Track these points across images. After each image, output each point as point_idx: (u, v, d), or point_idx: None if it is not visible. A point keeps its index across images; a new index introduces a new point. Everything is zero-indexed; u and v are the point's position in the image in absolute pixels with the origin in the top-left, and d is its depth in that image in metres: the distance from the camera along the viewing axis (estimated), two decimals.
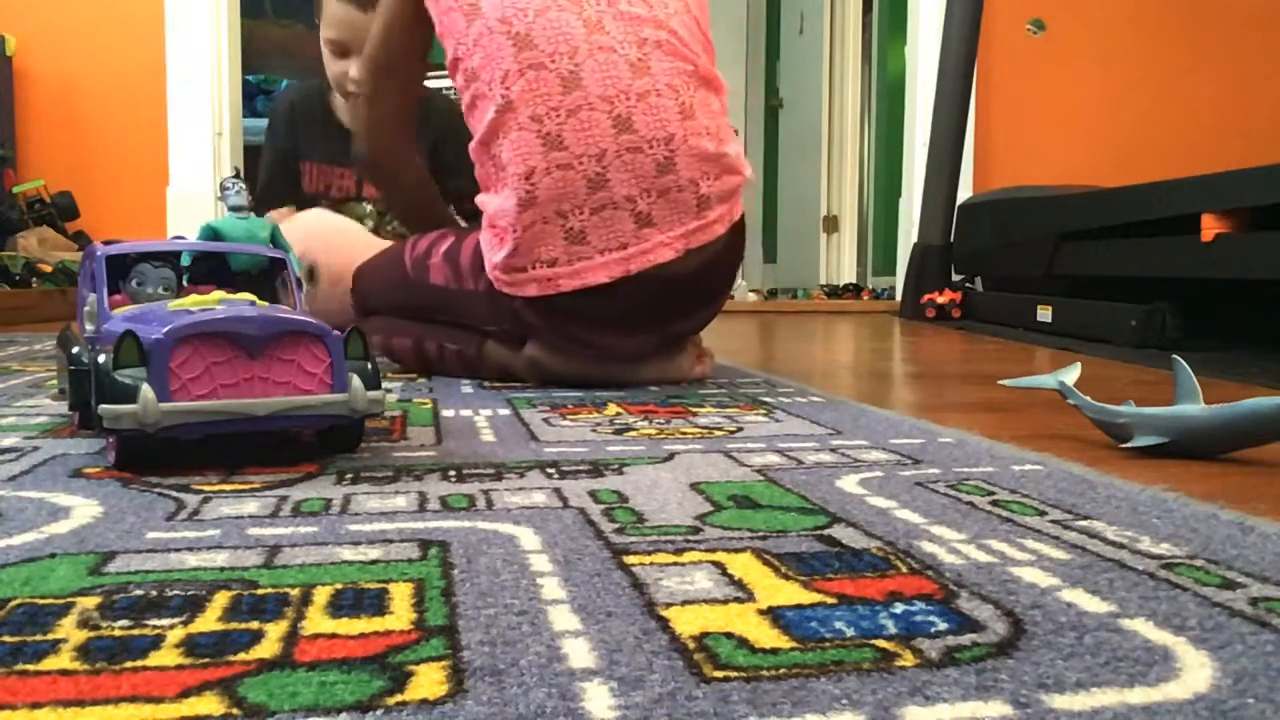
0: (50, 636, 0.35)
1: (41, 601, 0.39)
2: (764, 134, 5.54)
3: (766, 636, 0.36)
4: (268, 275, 0.85)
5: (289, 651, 0.34)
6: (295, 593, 0.40)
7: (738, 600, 0.40)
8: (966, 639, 0.36)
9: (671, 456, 0.70)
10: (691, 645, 0.35)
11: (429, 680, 0.32)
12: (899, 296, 3.05)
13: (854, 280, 4.39)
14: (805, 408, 0.95)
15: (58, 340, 0.81)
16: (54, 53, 2.96)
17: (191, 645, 0.35)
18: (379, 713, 0.30)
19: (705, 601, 0.40)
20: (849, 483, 0.62)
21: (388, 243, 1.46)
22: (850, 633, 0.36)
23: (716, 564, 0.45)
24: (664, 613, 0.38)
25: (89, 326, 0.73)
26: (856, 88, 4.73)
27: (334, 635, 0.36)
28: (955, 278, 2.79)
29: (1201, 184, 1.71)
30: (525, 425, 0.84)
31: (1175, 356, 0.75)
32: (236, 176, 0.89)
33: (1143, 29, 3.27)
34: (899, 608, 0.39)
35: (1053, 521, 0.52)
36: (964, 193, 2.95)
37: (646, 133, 1.02)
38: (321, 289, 1.42)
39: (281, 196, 1.72)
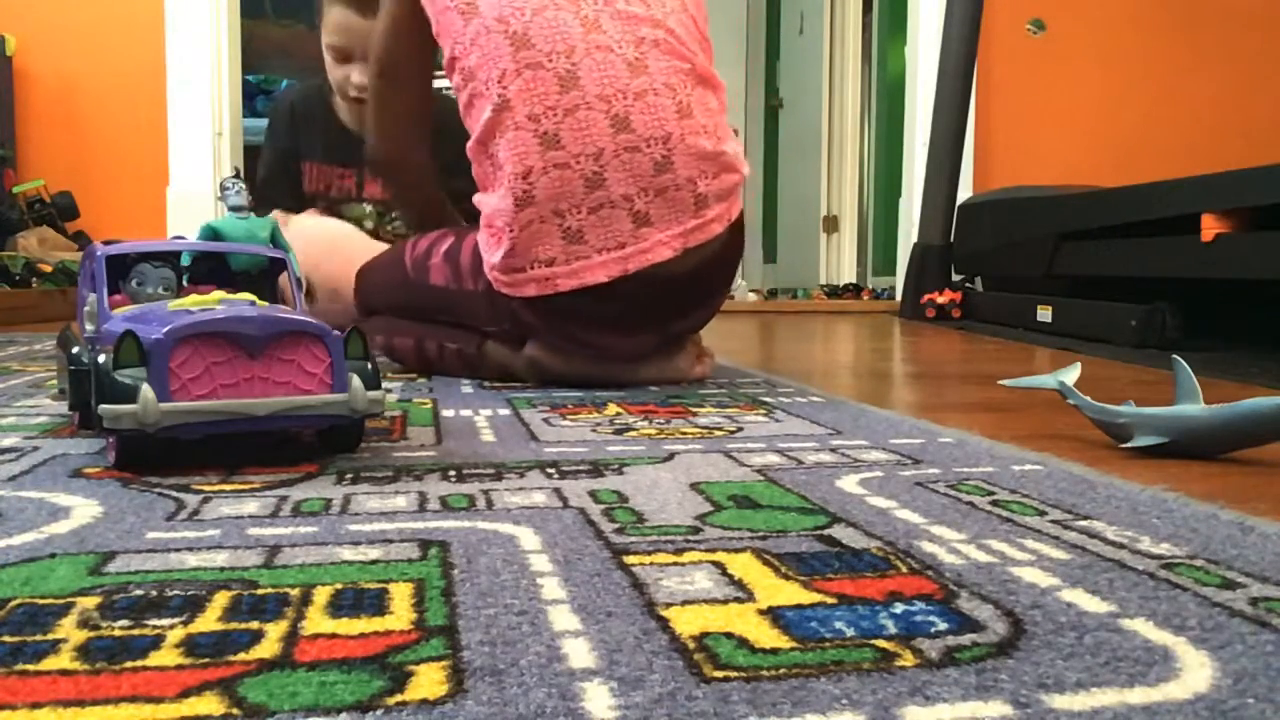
0: (50, 636, 0.35)
1: (41, 601, 0.39)
2: (764, 134, 5.54)
3: (766, 636, 0.36)
4: (268, 275, 0.85)
5: (289, 651, 0.34)
6: (295, 593, 0.40)
7: (738, 600, 0.40)
8: (966, 639, 0.36)
9: (671, 456, 0.70)
10: (691, 645, 0.35)
11: (429, 680, 0.32)
12: (899, 296, 3.05)
13: (854, 280, 4.39)
14: (805, 408, 0.95)
15: (58, 340, 0.81)
16: (54, 53, 2.96)
17: (191, 645, 0.35)
18: (379, 713, 0.30)
19: (705, 601, 0.40)
20: (849, 483, 0.62)
21: (383, 246, 1.46)
22: (850, 633, 0.36)
23: (716, 564, 0.45)
24: (664, 613, 0.38)
25: (89, 326, 0.73)
26: (856, 88, 4.72)
27: (334, 635, 0.36)
28: (955, 278, 2.79)
29: (1201, 184, 1.71)
30: (525, 425, 0.84)
31: (1175, 356, 0.75)
32: (236, 176, 0.89)
33: (1143, 29, 3.27)
34: (899, 608, 0.39)
35: (1053, 521, 0.52)
36: (964, 193, 2.95)
37: (644, 132, 1.02)
38: (321, 305, 1.42)
39: (280, 196, 1.71)
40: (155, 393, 0.61)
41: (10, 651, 0.34)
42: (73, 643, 0.35)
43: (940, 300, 2.65)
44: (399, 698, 0.31)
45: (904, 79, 3.40)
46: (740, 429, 0.82)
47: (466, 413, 0.91)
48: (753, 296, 3.68)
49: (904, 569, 0.44)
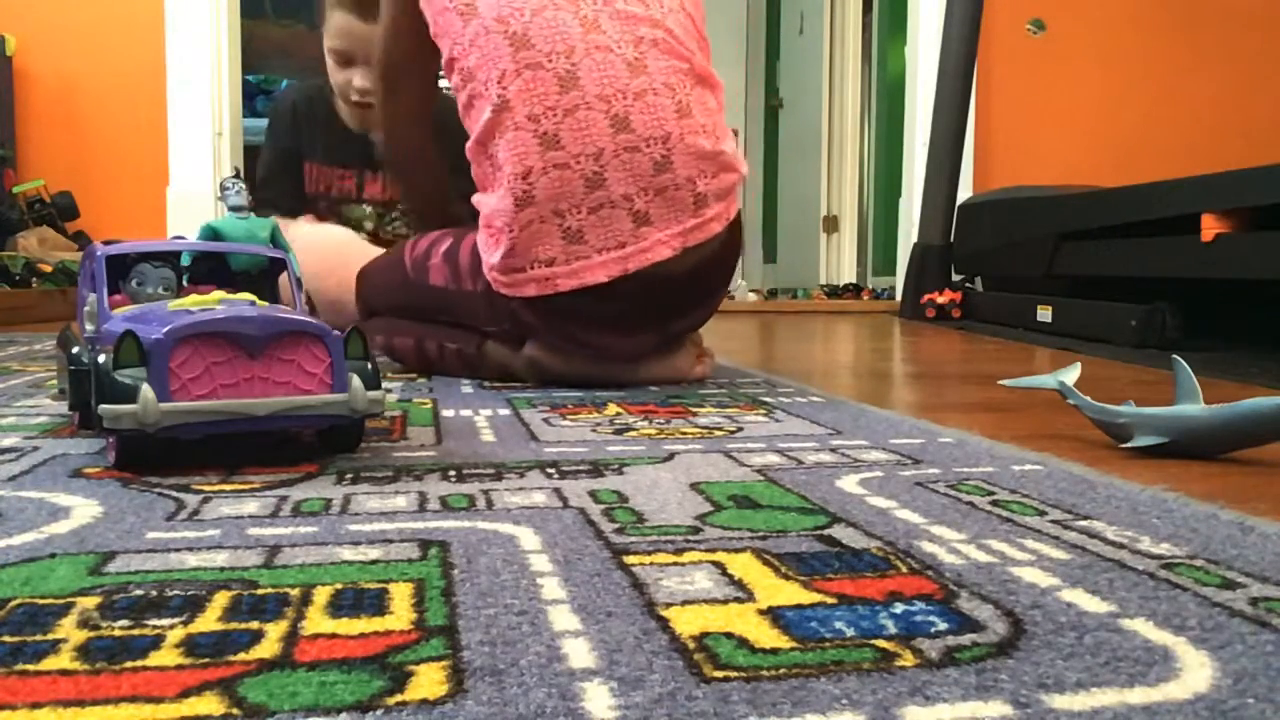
0: (50, 636, 0.35)
1: (41, 601, 0.39)
2: (764, 134, 5.54)
3: (766, 636, 0.36)
4: (268, 275, 0.85)
5: (289, 651, 0.34)
6: (295, 593, 0.40)
7: (738, 600, 0.40)
8: (966, 639, 0.36)
9: (671, 456, 0.70)
10: (691, 645, 0.35)
11: (429, 680, 0.32)
12: (899, 296, 3.05)
13: (854, 280, 4.39)
14: (805, 408, 0.95)
15: (58, 340, 0.81)
16: (54, 53, 2.96)
17: (191, 645, 0.35)
18: (379, 713, 0.30)
19: (705, 601, 0.40)
20: (849, 483, 0.62)
21: (380, 250, 1.46)
22: (850, 633, 0.36)
23: (716, 564, 0.45)
24: (664, 613, 0.38)
25: (89, 326, 0.73)
26: (856, 88, 4.72)
27: (334, 635, 0.36)
28: (955, 278, 2.79)
29: (1201, 184, 1.71)
30: (525, 425, 0.84)
31: (1175, 356, 0.75)
32: (236, 176, 0.89)
33: (1143, 29, 3.27)
34: (899, 608, 0.39)
35: (1053, 521, 0.52)
36: (964, 193, 2.95)
37: (644, 131, 1.02)
38: (325, 318, 1.42)
39: (280, 196, 1.71)
40: (155, 393, 0.61)
41: (10, 651, 0.34)
42: (73, 643, 0.35)
43: (940, 300, 2.65)
44: (399, 698, 0.31)
45: (904, 79, 3.40)
46: (740, 429, 0.82)
47: (466, 413, 0.91)
48: (753, 296, 3.68)
49: (904, 569, 0.44)
